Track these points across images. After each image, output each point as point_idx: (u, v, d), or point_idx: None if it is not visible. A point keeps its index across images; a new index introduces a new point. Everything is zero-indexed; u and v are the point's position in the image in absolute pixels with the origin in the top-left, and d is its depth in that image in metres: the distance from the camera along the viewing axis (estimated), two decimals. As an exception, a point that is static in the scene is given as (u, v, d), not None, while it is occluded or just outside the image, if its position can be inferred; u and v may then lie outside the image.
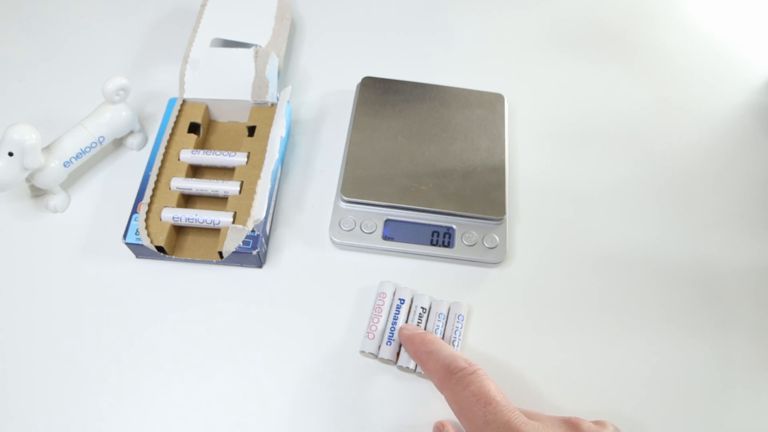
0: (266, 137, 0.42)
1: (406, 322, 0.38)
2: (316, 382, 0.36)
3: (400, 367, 0.36)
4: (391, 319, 0.38)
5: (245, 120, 0.45)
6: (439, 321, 0.38)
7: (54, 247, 0.40)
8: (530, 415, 0.30)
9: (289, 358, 0.37)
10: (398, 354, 0.36)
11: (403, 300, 0.38)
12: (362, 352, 0.37)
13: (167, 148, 0.42)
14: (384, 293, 0.38)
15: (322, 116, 0.48)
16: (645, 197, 0.46)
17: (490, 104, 0.47)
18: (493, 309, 0.40)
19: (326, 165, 0.45)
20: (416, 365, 0.36)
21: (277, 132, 0.42)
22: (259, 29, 0.48)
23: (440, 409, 0.36)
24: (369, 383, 0.37)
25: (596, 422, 0.31)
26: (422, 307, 0.38)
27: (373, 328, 0.37)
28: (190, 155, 0.41)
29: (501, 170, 0.43)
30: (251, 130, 0.43)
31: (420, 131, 0.44)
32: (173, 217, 0.38)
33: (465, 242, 0.41)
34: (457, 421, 0.34)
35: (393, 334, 0.37)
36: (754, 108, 0.52)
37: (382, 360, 0.37)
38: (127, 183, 0.43)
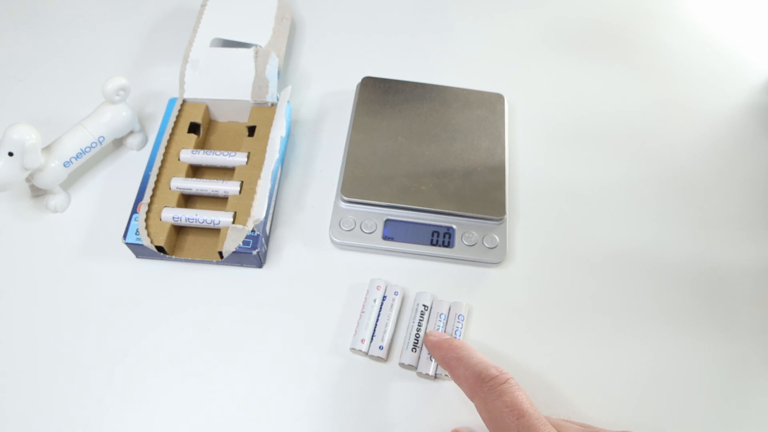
0: (266, 137, 0.42)
1: (397, 318, 0.38)
2: (315, 381, 0.36)
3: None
4: (374, 316, 0.38)
5: (245, 120, 0.45)
6: (440, 321, 0.38)
7: (54, 247, 0.40)
8: (557, 424, 0.31)
9: (287, 357, 0.37)
10: (388, 351, 0.37)
11: (386, 297, 0.38)
12: (353, 349, 0.37)
13: (167, 148, 0.42)
14: (368, 290, 0.39)
15: (322, 116, 0.48)
16: (645, 197, 0.46)
17: (490, 104, 0.47)
18: (493, 309, 0.40)
19: (326, 165, 0.45)
20: (415, 362, 0.36)
21: (277, 132, 0.42)
22: (259, 29, 0.48)
23: (439, 407, 0.36)
24: (369, 383, 0.37)
25: None
26: (424, 305, 0.38)
27: (361, 325, 0.37)
28: (190, 155, 0.41)
29: (501, 170, 0.43)
30: (251, 130, 0.43)
31: (420, 131, 0.44)
32: (173, 217, 0.38)
33: (465, 242, 0.41)
34: (472, 427, 0.34)
35: (376, 331, 0.37)
36: (754, 108, 0.52)
37: (372, 357, 0.37)
38: (127, 183, 0.43)
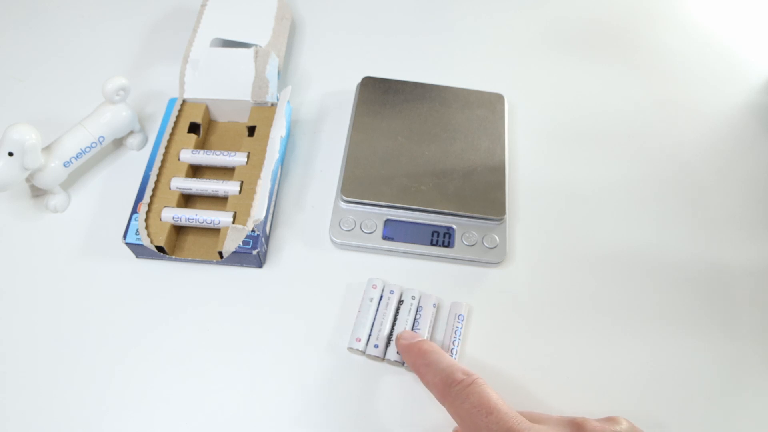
0: (266, 137, 0.42)
1: (394, 318, 0.38)
2: (315, 381, 0.36)
3: (389, 361, 0.37)
4: (371, 316, 0.38)
5: (245, 120, 0.45)
6: (418, 315, 0.38)
7: (54, 247, 0.40)
8: (534, 418, 0.30)
9: (287, 357, 0.37)
10: (385, 350, 0.37)
11: (382, 296, 0.38)
12: (350, 348, 0.37)
13: (167, 148, 0.42)
14: (364, 290, 0.39)
15: (322, 116, 0.48)
16: (645, 197, 0.46)
17: (490, 104, 0.47)
18: (493, 309, 0.40)
19: (326, 165, 0.45)
20: (401, 357, 0.36)
21: (277, 132, 0.42)
22: (259, 29, 0.48)
23: (439, 405, 0.36)
24: (367, 382, 0.36)
25: (607, 419, 0.31)
26: (412, 296, 0.38)
27: (357, 325, 0.37)
28: (190, 155, 0.41)
29: (501, 170, 0.43)
30: (251, 130, 0.43)
31: (420, 131, 0.44)
32: (173, 217, 0.38)
33: (465, 242, 0.41)
34: None
35: (372, 330, 0.37)
36: (754, 108, 0.52)
37: (370, 356, 0.37)
38: (127, 183, 0.43)
